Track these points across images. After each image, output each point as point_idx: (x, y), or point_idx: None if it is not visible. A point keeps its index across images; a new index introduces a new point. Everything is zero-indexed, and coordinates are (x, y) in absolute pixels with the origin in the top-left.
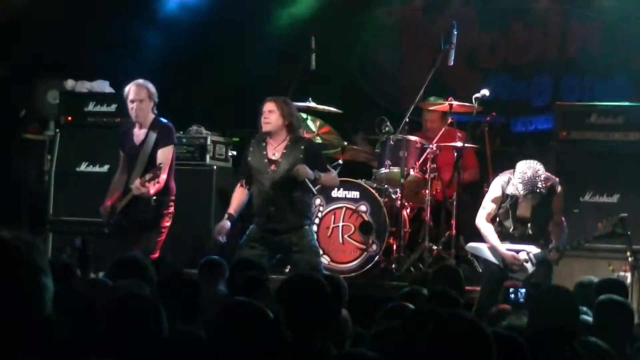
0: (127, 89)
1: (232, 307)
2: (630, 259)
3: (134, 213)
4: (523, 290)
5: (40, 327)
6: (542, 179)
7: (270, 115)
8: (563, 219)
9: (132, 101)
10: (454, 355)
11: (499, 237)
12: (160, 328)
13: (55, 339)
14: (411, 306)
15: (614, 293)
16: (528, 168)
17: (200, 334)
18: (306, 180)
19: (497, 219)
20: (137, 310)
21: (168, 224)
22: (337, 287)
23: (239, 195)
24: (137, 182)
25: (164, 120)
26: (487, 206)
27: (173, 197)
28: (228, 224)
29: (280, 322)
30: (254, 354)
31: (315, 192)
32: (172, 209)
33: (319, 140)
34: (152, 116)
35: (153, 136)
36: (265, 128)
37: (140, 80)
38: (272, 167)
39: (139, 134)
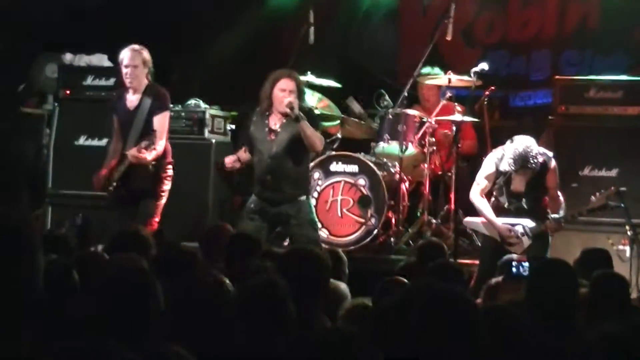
0: (121, 54)
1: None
2: (629, 232)
3: (133, 181)
4: (526, 264)
5: (30, 301)
6: (534, 154)
7: (292, 95)
8: (559, 193)
9: (127, 66)
10: (445, 330)
11: (494, 212)
12: (157, 301)
13: (45, 313)
14: (406, 281)
15: (597, 263)
16: (520, 144)
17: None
18: (289, 109)
19: (493, 194)
20: (131, 283)
21: (167, 187)
22: (337, 261)
23: (241, 152)
24: (134, 150)
25: (158, 86)
26: (480, 182)
27: (170, 159)
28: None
29: (286, 299)
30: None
31: (293, 114)
32: (170, 172)
33: (317, 113)
34: (146, 82)
35: (147, 102)
36: (286, 105)
37: (136, 46)
38: (272, 136)
39: (132, 99)
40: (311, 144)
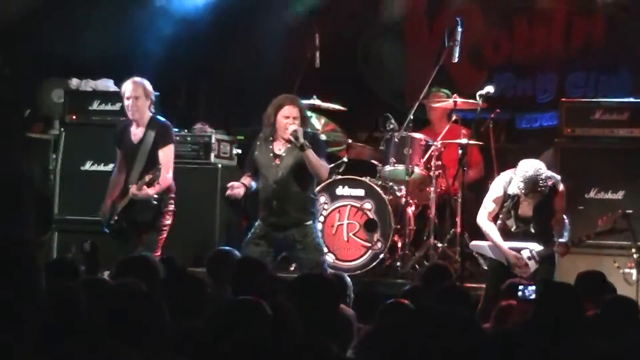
0: (123, 86)
1: (230, 306)
2: (635, 255)
3: (134, 214)
4: (532, 287)
5: (33, 325)
6: (543, 177)
7: (296, 121)
8: (565, 216)
9: (128, 98)
10: (448, 352)
11: (501, 235)
12: (163, 325)
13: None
14: (408, 303)
15: (593, 286)
16: (530, 167)
17: (200, 331)
18: (293, 138)
19: (500, 218)
20: (136, 307)
21: (169, 222)
22: (342, 286)
23: (246, 178)
24: (134, 187)
25: (162, 119)
26: (488, 206)
27: (173, 195)
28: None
29: (292, 319)
30: (249, 352)
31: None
32: (172, 207)
33: (324, 137)
34: (149, 114)
35: (151, 135)
36: (290, 134)
37: (137, 78)
38: (277, 161)
39: (136, 132)
40: (316, 172)
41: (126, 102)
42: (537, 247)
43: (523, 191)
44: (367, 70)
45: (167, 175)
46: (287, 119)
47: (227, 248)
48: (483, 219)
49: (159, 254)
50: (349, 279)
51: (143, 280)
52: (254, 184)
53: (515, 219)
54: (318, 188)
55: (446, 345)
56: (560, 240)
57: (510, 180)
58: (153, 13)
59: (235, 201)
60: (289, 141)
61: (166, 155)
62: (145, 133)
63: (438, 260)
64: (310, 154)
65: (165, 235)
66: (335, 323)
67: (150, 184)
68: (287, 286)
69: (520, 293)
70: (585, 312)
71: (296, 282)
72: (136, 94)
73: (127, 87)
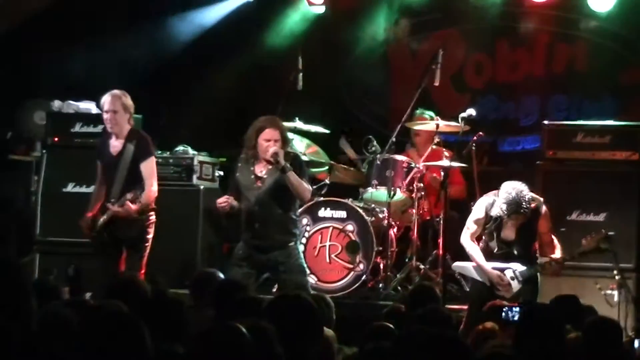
0: (102, 99)
1: (211, 331)
2: (617, 277)
3: (117, 228)
4: (516, 309)
5: (25, 347)
6: (526, 199)
7: (277, 144)
8: (553, 237)
9: (107, 112)
10: None
11: (484, 256)
12: (143, 347)
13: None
14: (391, 326)
15: (571, 309)
16: (512, 189)
17: (179, 354)
18: (274, 160)
19: (483, 239)
20: (117, 329)
21: (150, 236)
22: (323, 307)
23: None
24: (115, 207)
25: (140, 132)
26: (470, 227)
27: (154, 206)
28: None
29: (272, 341)
30: None
31: (279, 165)
32: (153, 218)
33: (306, 159)
34: (128, 127)
35: (130, 148)
36: (270, 156)
37: (116, 91)
38: (258, 182)
39: (115, 144)
40: (298, 194)
41: (105, 116)
42: (520, 267)
43: (505, 213)
44: (349, 94)
45: (152, 188)
46: (268, 142)
47: (210, 270)
48: (466, 239)
49: (143, 272)
50: (330, 301)
51: (130, 301)
52: (236, 203)
53: (497, 240)
54: (300, 210)
55: None
56: (553, 256)
57: (492, 203)
58: (136, 36)
59: (217, 223)
60: (269, 163)
61: (148, 168)
62: (125, 146)
63: (424, 282)
64: (292, 176)
65: (148, 251)
66: (315, 345)
67: (132, 202)
68: (266, 307)
69: (504, 315)
70: (566, 335)
71: (274, 303)
72: (114, 108)
73: (106, 101)
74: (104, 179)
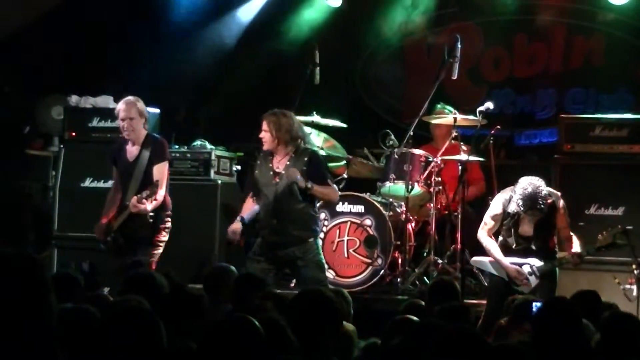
0: (117, 107)
1: (222, 323)
2: (635, 271)
3: (131, 230)
4: (537, 304)
5: (46, 342)
6: (542, 195)
7: (265, 135)
8: (571, 233)
9: (123, 119)
10: None
11: (502, 251)
12: (159, 342)
13: (59, 354)
14: (415, 319)
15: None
16: (529, 184)
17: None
18: (295, 185)
19: (501, 235)
20: (134, 324)
21: (165, 238)
22: (342, 302)
23: (249, 204)
24: (134, 199)
25: (157, 136)
26: (488, 222)
27: (169, 212)
28: (240, 225)
29: (286, 333)
30: None
31: (301, 199)
32: (168, 224)
33: (323, 154)
34: (144, 132)
35: (146, 153)
36: (264, 147)
37: (130, 98)
38: (276, 179)
39: (132, 150)
40: (327, 201)
41: (121, 124)
42: (537, 262)
43: (522, 209)
44: (366, 88)
45: (159, 192)
46: (262, 134)
47: (224, 264)
48: (483, 235)
49: (153, 269)
50: (348, 295)
51: (149, 297)
52: (256, 207)
53: (515, 236)
54: (318, 204)
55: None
56: (574, 250)
57: (510, 198)
58: (153, 31)
59: (235, 217)
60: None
61: (160, 171)
62: (141, 151)
63: (444, 276)
64: (317, 190)
65: (160, 251)
66: (336, 339)
67: (147, 199)
68: (287, 303)
69: (525, 310)
70: (584, 330)
71: (296, 299)
72: (130, 115)
73: (121, 109)
74: (120, 185)
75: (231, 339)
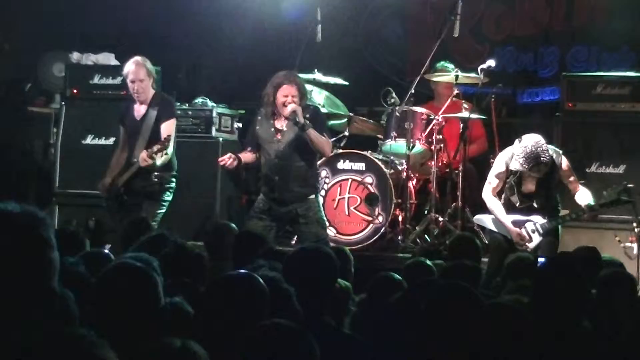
0: (126, 68)
1: (226, 278)
2: (636, 229)
3: (136, 187)
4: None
5: (46, 299)
6: (544, 149)
7: (294, 100)
8: (579, 185)
9: (133, 81)
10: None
11: (505, 209)
12: (156, 299)
13: (60, 311)
14: (396, 276)
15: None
16: (530, 142)
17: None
18: (292, 118)
19: (504, 193)
20: (128, 281)
21: (169, 198)
22: (342, 259)
23: (245, 153)
24: (144, 154)
25: (164, 94)
26: (492, 181)
27: (174, 173)
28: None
29: (291, 296)
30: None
31: (298, 123)
32: (173, 184)
33: (325, 111)
34: (152, 92)
35: (154, 112)
36: (289, 114)
37: (139, 58)
38: (278, 135)
39: (139, 109)
40: (319, 150)
41: (130, 85)
42: (540, 219)
43: (525, 166)
44: (368, 45)
45: (170, 147)
46: (285, 97)
47: (224, 222)
48: (488, 195)
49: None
50: (349, 253)
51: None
52: (252, 157)
53: (518, 194)
54: (319, 162)
55: (443, 316)
56: (585, 204)
57: (512, 156)
58: None
59: (236, 175)
60: (288, 119)
61: (168, 128)
62: (148, 109)
63: (464, 232)
64: (312, 133)
65: (163, 211)
66: (330, 296)
67: (157, 153)
68: (286, 259)
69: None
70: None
71: (295, 255)
72: (139, 77)
73: (130, 70)
74: (126, 144)
75: (237, 296)
